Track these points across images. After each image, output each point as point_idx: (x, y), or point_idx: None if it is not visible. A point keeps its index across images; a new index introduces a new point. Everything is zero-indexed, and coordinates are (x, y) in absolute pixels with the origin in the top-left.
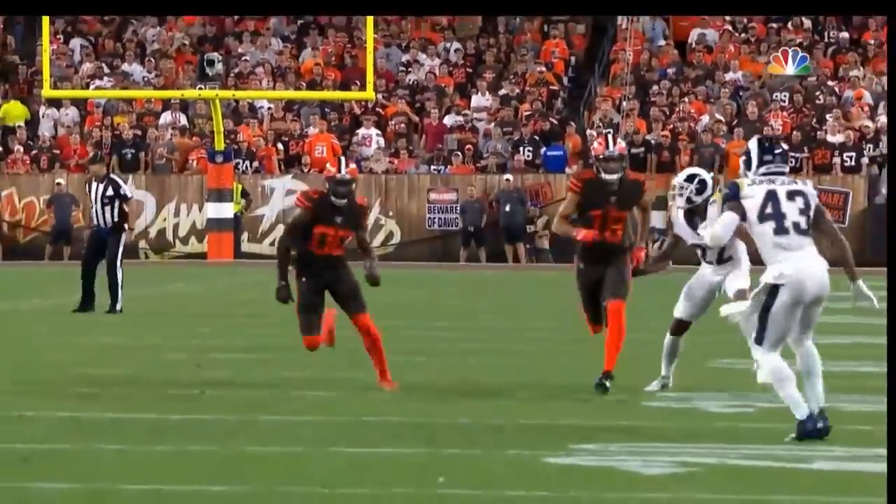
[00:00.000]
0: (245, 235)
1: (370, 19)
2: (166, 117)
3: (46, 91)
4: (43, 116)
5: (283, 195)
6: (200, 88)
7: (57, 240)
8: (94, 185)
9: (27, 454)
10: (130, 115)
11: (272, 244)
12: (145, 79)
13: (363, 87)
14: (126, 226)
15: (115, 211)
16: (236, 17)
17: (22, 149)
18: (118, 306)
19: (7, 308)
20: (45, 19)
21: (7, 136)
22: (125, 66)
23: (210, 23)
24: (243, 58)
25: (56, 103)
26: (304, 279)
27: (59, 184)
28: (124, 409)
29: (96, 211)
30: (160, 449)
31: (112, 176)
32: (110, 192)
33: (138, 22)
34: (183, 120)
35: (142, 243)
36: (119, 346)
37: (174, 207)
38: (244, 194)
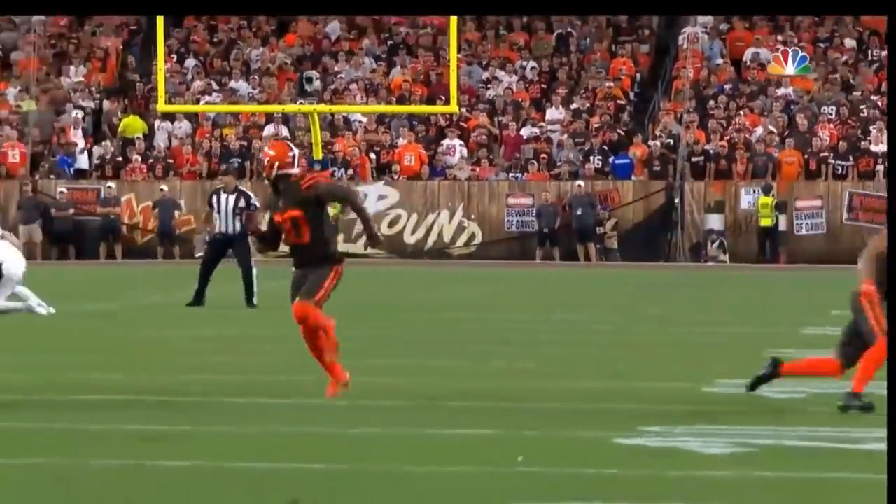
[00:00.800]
0: (341, 237)
1: (453, 40)
2: (269, 129)
3: (161, 106)
4: (158, 129)
5: (375, 200)
6: (300, 103)
7: (161, 240)
8: (224, 196)
9: (159, 436)
10: (237, 128)
11: (365, 245)
12: (250, 94)
13: (448, 102)
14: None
15: (244, 219)
16: (333, 39)
17: (140, 158)
18: (254, 300)
19: (152, 303)
20: (160, 41)
21: (126, 147)
22: (232, 83)
23: (308, 43)
24: (339, 75)
25: (170, 117)
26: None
27: (162, 190)
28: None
29: (226, 220)
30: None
31: (242, 188)
32: (242, 203)
33: (244, 43)
34: (284, 132)
35: None
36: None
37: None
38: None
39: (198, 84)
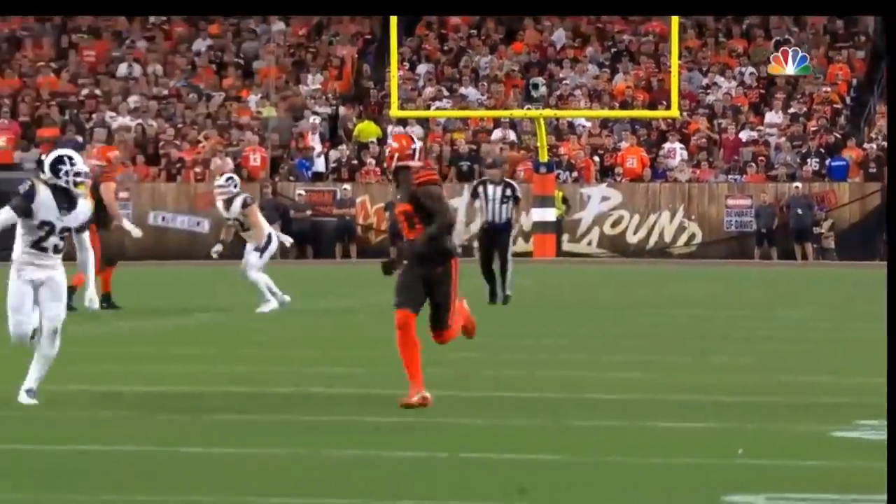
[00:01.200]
0: (565, 237)
1: (675, 47)
2: (497, 133)
3: (394, 111)
4: (391, 133)
5: (598, 201)
6: (527, 108)
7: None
8: (491, 187)
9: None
10: (466, 132)
11: (589, 244)
12: (479, 100)
13: (669, 107)
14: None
15: (510, 209)
16: (559, 47)
17: (373, 161)
18: (508, 292)
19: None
20: (394, 50)
21: (361, 151)
22: (462, 90)
23: (534, 50)
24: (564, 81)
25: (402, 122)
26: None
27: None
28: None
29: (492, 210)
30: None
31: (507, 180)
32: (508, 192)
33: (473, 51)
34: (511, 136)
35: (476, 243)
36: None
37: None
38: (564, 200)
39: (429, 90)
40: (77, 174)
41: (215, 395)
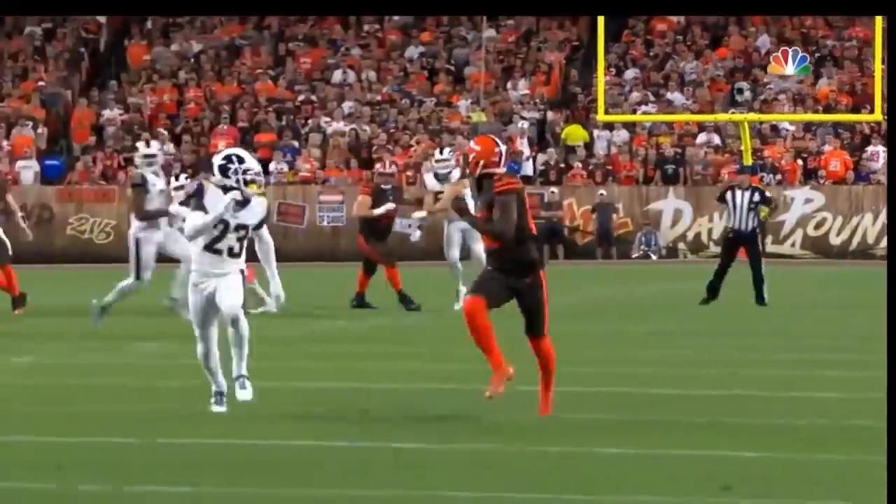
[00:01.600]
0: (769, 238)
1: (878, 52)
2: (702, 137)
3: (601, 116)
4: (598, 138)
5: (801, 203)
6: (731, 112)
7: (601, 242)
8: (739, 192)
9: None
10: (672, 136)
11: (792, 245)
12: (684, 105)
13: (872, 111)
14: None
15: (755, 217)
16: (763, 52)
17: (580, 165)
18: (765, 298)
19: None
20: (601, 56)
21: (568, 155)
22: (668, 95)
23: (739, 56)
24: (768, 86)
25: (609, 126)
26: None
27: (601, 194)
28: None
29: (739, 216)
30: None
31: (756, 186)
32: (756, 197)
33: (678, 57)
34: (716, 139)
35: (681, 245)
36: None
37: (708, 215)
38: (767, 201)
39: (635, 95)
40: (246, 172)
41: (422, 392)
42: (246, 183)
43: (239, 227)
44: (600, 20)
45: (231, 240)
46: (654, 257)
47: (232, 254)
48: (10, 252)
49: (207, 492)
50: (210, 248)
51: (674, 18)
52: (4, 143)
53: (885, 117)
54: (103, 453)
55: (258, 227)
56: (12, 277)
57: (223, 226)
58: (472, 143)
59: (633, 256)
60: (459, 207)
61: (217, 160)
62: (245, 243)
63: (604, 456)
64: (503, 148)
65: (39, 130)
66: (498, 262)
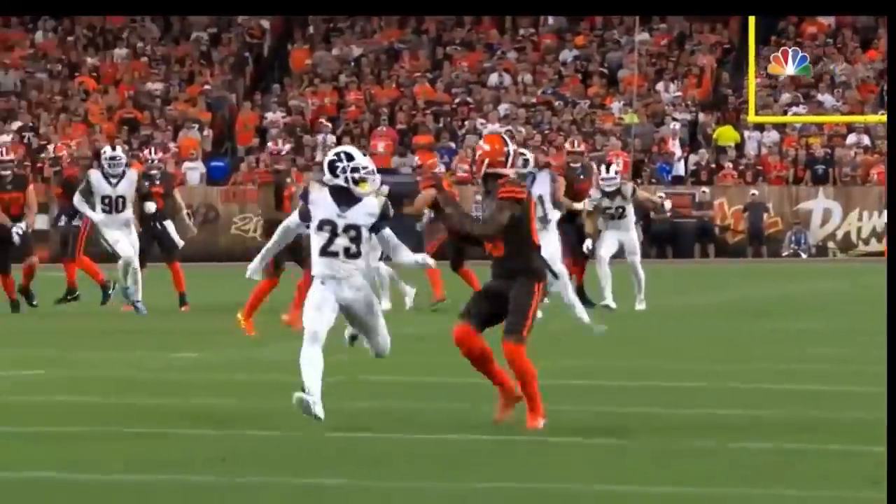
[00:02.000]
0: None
1: None
2: (851, 138)
3: (751, 117)
4: (749, 138)
5: None
6: (881, 114)
7: (751, 241)
8: None
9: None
10: (822, 137)
11: None
12: (834, 106)
13: None
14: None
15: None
16: None
17: (731, 165)
18: None
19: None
20: (752, 59)
21: (719, 155)
22: (818, 96)
23: (887, 58)
24: None
25: (759, 127)
26: None
27: (753, 194)
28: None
29: None
30: None
31: None
32: None
33: (828, 59)
34: (866, 140)
35: (830, 244)
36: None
37: (857, 214)
38: None
39: (785, 96)
40: (355, 170)
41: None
42: (356, 182)
43: (349, 228)
44: (751, 21)
45: (344, 241)
46: (803, 256)
47: (349, 254)
48: (179, 248)
49: (364, 485)
50: (325, 251)
51: (824, 21)
52: (172, 145)
53: None
54: (269, 447)
55: (377, 228)
56: (179, 275)
57: (331, 227)
58: (480, 142)
59: (783, 255)
60: (445, 200)
61: (327, 159)
62: (362, 244)
63: (732, 451)
64: (512, 148)
65: (205, 133)
66: (498, 270)
